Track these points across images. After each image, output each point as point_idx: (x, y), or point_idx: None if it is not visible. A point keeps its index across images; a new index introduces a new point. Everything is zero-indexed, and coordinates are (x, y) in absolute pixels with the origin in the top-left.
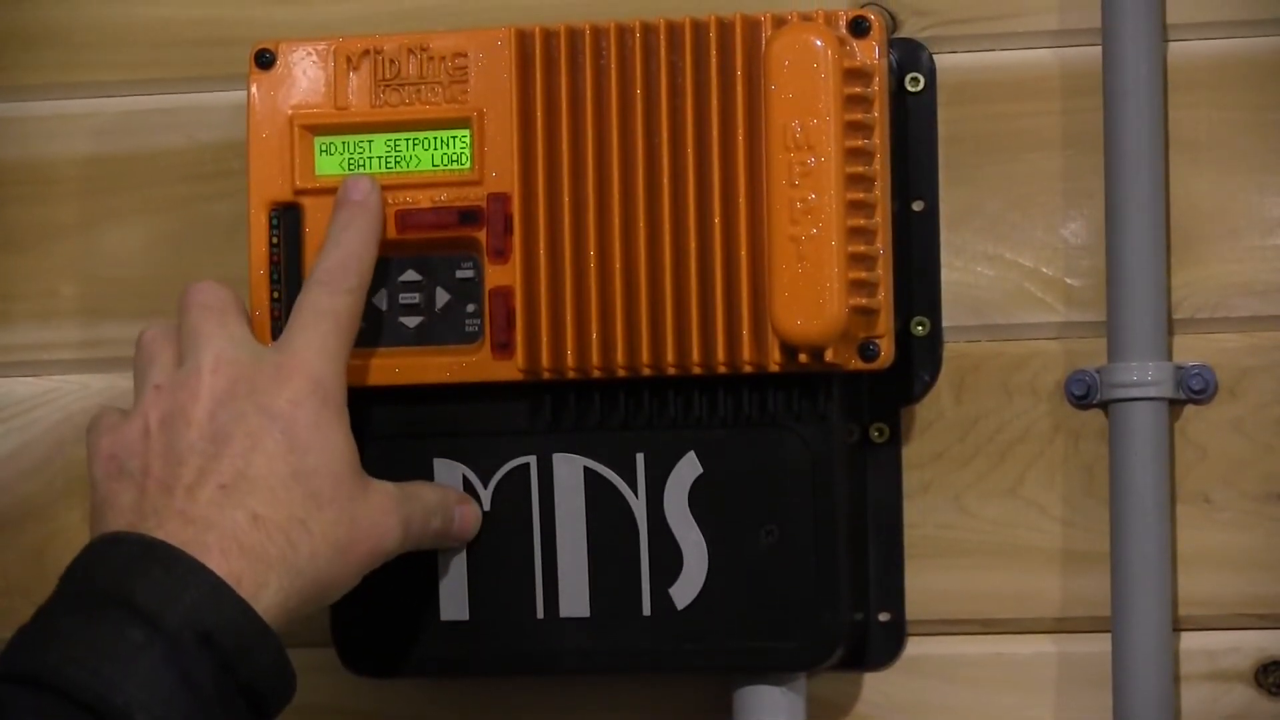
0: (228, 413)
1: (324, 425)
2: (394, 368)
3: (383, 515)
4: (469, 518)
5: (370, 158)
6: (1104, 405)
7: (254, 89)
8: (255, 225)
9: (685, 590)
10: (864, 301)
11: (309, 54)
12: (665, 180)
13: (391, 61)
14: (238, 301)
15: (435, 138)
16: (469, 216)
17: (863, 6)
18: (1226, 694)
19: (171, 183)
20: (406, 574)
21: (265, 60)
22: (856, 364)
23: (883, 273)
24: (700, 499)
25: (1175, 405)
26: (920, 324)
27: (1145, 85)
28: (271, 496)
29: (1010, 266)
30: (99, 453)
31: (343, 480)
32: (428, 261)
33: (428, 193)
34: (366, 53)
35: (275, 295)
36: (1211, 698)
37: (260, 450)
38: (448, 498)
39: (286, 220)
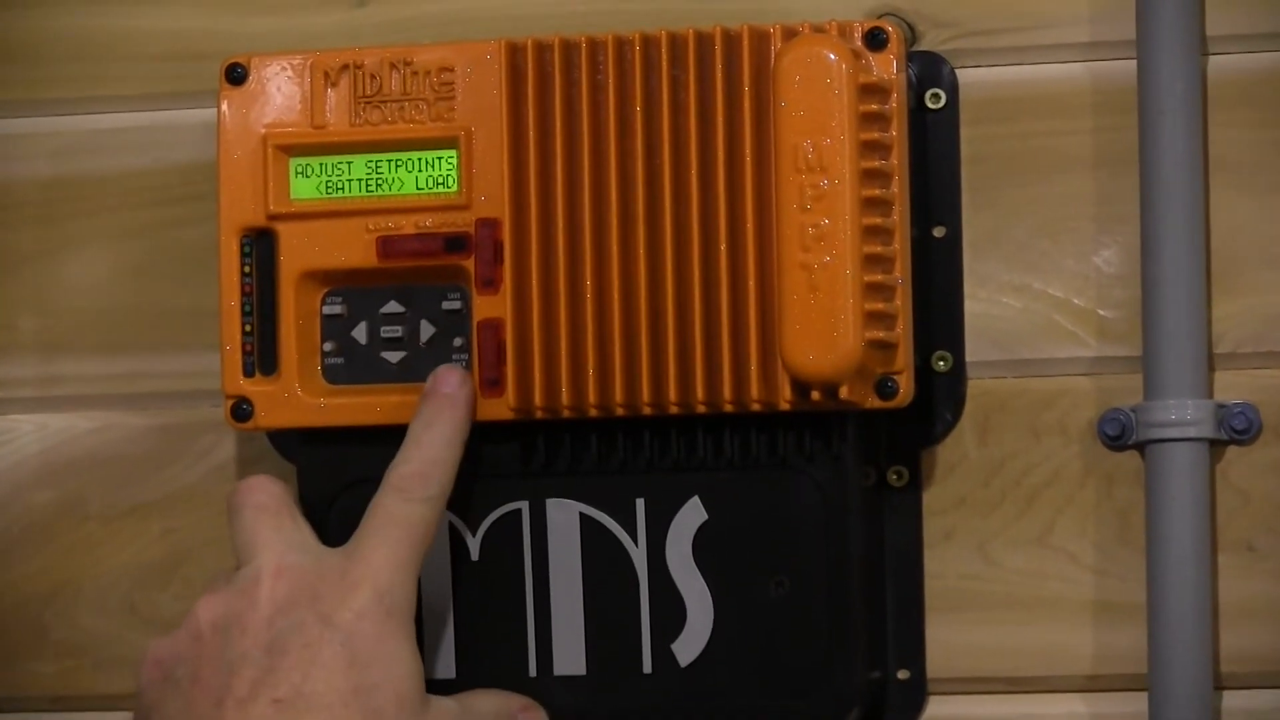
0: (286, 621)
1: (388, 639)
2: (374, 406)
3: None
4: None
5: (349, 180)
6: (1140, 446)
7: (225, 106)
8: (226, 253)
9: (689, 646)
10: (881, 335)
11: (284, 68)
12: (667, 204)
13: (372, 77)
14: (291, 498)
15: (419, 159)
16: (456, 243)
17: (879, 17)
18: None
19: (137, 207)
20: None
21: (237, 75)
22: (873, 402)
23: (901, 304)
24: (705, 547)
25: (1216, 446)
26: (942, 359)
27: (1183, 102)
28: (329, 716)
29: (1038, 297)
30: (145, 660)
31: (405, 699)
32: (411, 291)
33: (411, 218)
34: (346, 67)
35: (247, 329)
36: None
37: (319, 664)
38: (508, 705)
39: (260, 247)
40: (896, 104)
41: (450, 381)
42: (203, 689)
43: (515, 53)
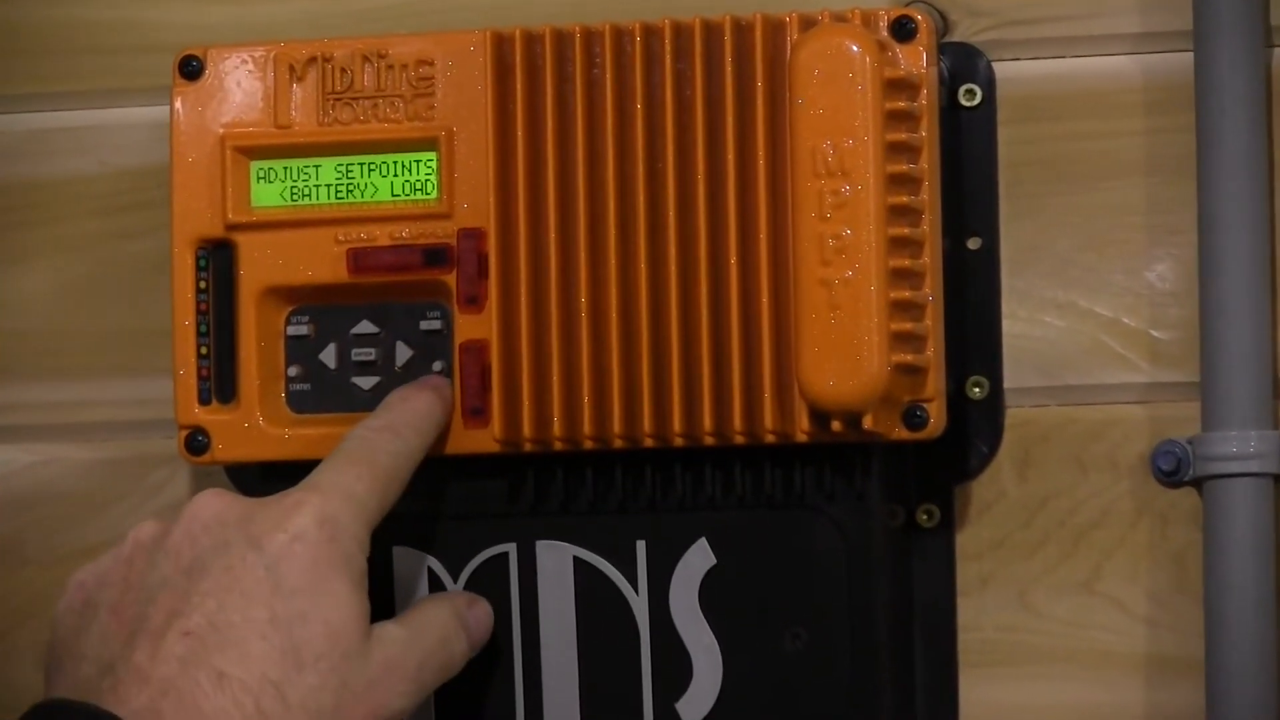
0: (210, 539)
1: (324, 569)
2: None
3: (386, 674)
4: (484, 620)
5: (317, 186)
6: (1197, 482)
7: (178, 104)
8: (180, 267)
9: (696, 705)
10: (909, 358)
11: (244, 62)
12: (671, 213)
13: (343, 71)
14: None
15: (395, 162)
16: (435, 256)
17: (907, 4)
18: None
19: (80, 217)
20: None
21: (192, 69)
22: (900, 433)
23: (932, 324)
24: (713, 595)
25: None
26: (977, 385)
27: (1246, 99)
28: (242, 650)
29: (1084, 316)
30: (68, 585)
31: (338, 635)
32: (386, 310)
33: (386, 228)
34: (313, 60)
35: (203, 351)
36: None
37: (237, 589)
38: (458, 606)
39: (217, 261)
40: (926, 101)
41: (437, 379)
42: (119, 619)
43: (501, 44)
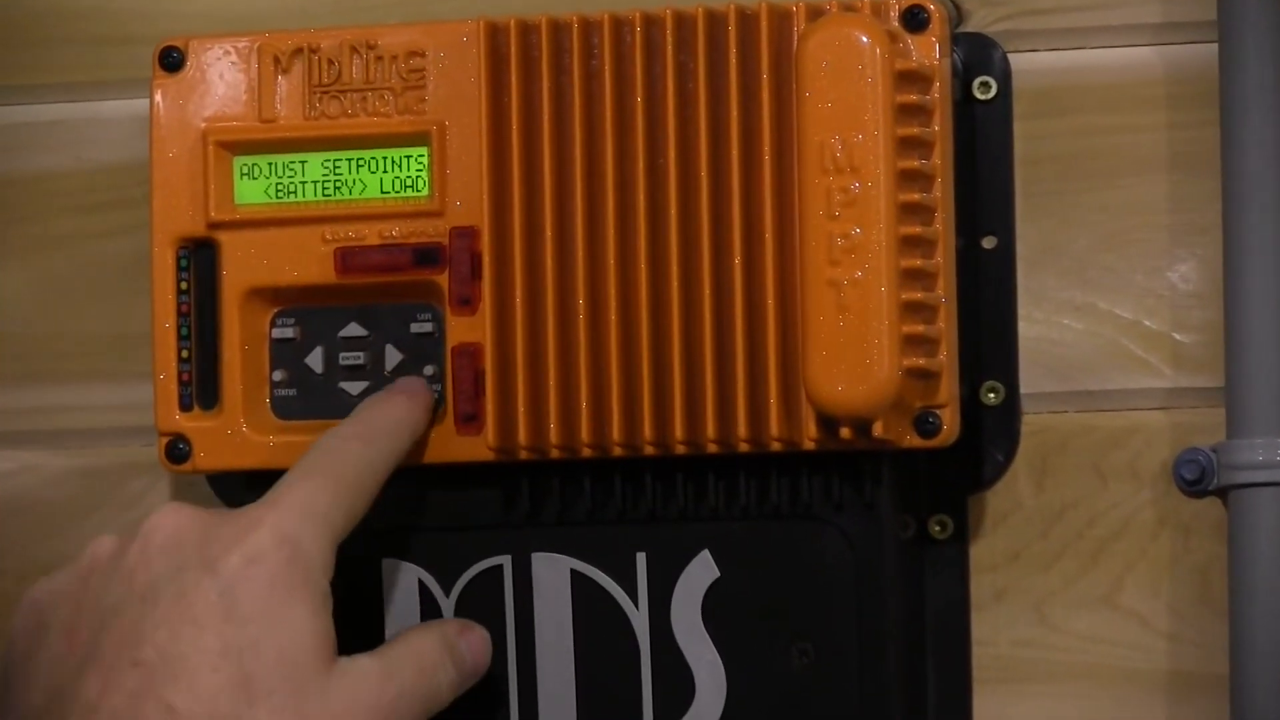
0: (166, 562)
1: (281, 593)
2: None
3: (351, 710)
4: (478, 648)
5: (303, 182)
6: (1222, 492)
7: (158, 97)
8: (160, 267)
9: None
10: (921, 362)
11: (227, 53)
12: (672, 211)
13: (330, 62)
14: None
15: (385, 158)
16: (427, 256)
17: None
18: None
19: (56, 215)
20: None
21: (172, 61)
22: (912, 440)
23: (944, 326)
24: (717, 610)
25: None
26: (992, 390)
27: (1272, 92)
28: (192, 683)
29: (1104, 319)
30: (22, 602)
31: (295, 665)
32: (375, 312)
33: (375, 226)
34: (299, 51)
35: (184, 355)
36: None
37: (189, 619)
38: (447, 635)
39: (199, 261)
40: (939, 94)
41: (414, 383)
42: (71, 643)
43: (496, 34)
